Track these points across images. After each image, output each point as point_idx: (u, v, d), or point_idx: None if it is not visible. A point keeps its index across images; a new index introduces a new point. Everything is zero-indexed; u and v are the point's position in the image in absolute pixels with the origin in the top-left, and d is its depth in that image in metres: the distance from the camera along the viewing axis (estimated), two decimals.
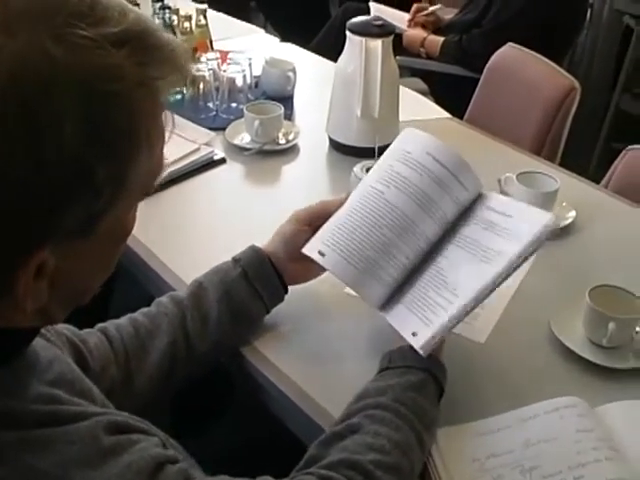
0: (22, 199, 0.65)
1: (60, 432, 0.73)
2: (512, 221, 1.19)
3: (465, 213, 1.25)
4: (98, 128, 0.66)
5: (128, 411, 0.85)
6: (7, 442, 0.70)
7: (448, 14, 3.57)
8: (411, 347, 1.14)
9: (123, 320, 1.24)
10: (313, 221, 1.31)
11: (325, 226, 1.28)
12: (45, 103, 0.63)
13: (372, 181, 1.26)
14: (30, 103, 0.63)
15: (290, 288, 1.34)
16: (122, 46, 0.67)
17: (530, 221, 1.16)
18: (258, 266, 1.30)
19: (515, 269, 1.13)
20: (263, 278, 1.30)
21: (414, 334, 1.15)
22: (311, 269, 1.32)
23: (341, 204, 1.29)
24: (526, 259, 1.13)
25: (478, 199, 1.27)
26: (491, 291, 1.13)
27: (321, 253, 1.25)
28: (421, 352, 1.12)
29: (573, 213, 1.67)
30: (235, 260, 1.31)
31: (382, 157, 1.29)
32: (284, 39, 2.91)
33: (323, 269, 1.27)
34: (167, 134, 0.77)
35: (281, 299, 1.33)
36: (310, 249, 1.26)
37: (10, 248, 0.67)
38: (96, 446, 0.74)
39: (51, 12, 0.65)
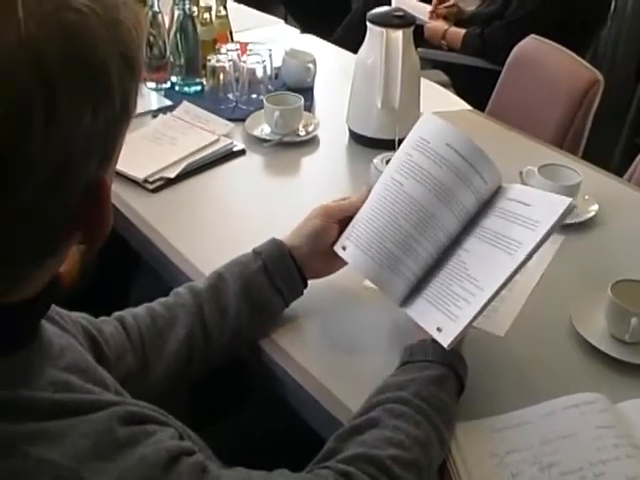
0: (92, 140, 0.68)
1: (72, 424, 0.72)
2: (531, 209, 1.18)
3: (485, 206, 1.24)
4: (128, 57, 0.70)
5: (144, 400, 0.85)
6: (17, 434, 0.69)
7: (470, 6, 3.55)
8: (432, 341, 1.14)
9: (140, 309, 1.23)
10: (341, 217, 1.30)
11: (352, 222, 1.28)
12: (93, 54, 0.66)
13: (391, 172, 1.25)
14: (82, 58, 0.65)
15: (311, 283, 1.33)
16: None
17: (548, 207, 1.15)
18: (279, 260, 1.29)
19: (533, 255, 1.13)
20: (283, 272, 1.29)
21: (439, 329, 1.14)
22: (332, 264, 1.32)
23: (366, 198, 1.28)
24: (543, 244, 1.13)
25: (497, 191, 1.25)
26: (510, 280, 1.12)
27: (343, 247, 1.25)
28: (447, 348, 1.11)
29: (595, 206, 1.65)
30: (256, 253, 1.30)
31: (401, 146, 1.28)
32: (304, 31, 2.90)
33: (344, 264, 1.27)
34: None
35: (300, 293, 1.33)
36: (337, 246, 1.27)
37: (87, 185, 0.71)
38: (110, 438, 0.73)
39: None
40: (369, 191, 1.28)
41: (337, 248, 1.27)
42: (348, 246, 1.24)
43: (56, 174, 0.66)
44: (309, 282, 1.33)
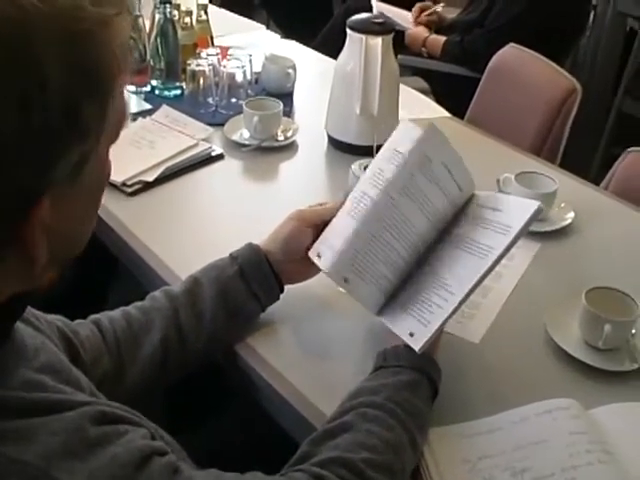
0: (19, 148, 0.65)
1: (43, 422, 0.72)
2: (502, 215, 1.19)
3: (458, 213, 1.25)
4: (78, 65, 0.67)
5: (119, 402, 0.85)
6: None
7: (450, 14, 3.57)
8: (406, 346, 1.14)
9: (116, 313, 1.23)
10: (316, 222, 1.30)
11: (327, 228, 1.28)
12: (23, 48, 0.64)
13: (365, 183, 1.25)
14: (9, 51, 0.63)
15: (287, 288, 1.33)
16: None
17: (518, 211, 1.17)
18: (255, 265, 1.29)
19: (502, 258, 1.14)
20: (260, 277, 1.29)
21: (411, 334, 1.14)
22: (308, 269, 1.32)
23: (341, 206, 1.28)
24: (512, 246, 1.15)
25: (470, 199, 1.27)
26: (480, 283, 1.14)
27: (318, 255, 1.25)
28: (418, 352, 1.12)
29: (572, 214, 1.67)
30: (232, 257, 1.30)
31: (376, 157, 1.28)
32: (286, 37, 2.91)
33: (319, 270, 1.27)
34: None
35: (277, 298, 1.33)
36: (312, 252, 1.27)
37: (14, 199, 0.67)
38: (81, 437, 0.73)
39: None
40: (345, 198, 1.29)
41: (312, 255, 1.26)
42: (323, 254, 1.24)
43: None
44: (286, 288, 1.33)
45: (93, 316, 1.21)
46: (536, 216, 1.15)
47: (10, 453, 0.69)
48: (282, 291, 1.33)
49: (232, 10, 3.04)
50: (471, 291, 1.13)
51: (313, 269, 1.30)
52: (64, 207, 0.72)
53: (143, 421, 0.84)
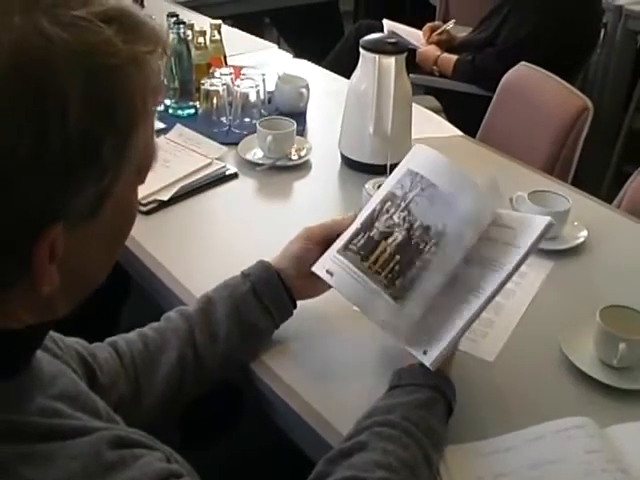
0: (33, 178, 0.65)
1: (62, 447, 0.72)
2: (514, 232, 1.20)
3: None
4: (100, 101, 0.67)
5: (136, 426, 0.85)
6: (7, 456, 0.69)
7: (461, 32, 3.58)
8: (421, 365, 1.14)
9: (132, 335, 1.24)
10: (324, 239, 1.31)
11: (334, 244, 1.27)
12: (48, 81, 0.64)
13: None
14: (34, 82, 0.63)
15: (301, 306, 1.34)
16: (110, 23, 0.69)
17: (529, 228, 1.18)
18: (267, 281, 1.30)
19: (513, 275, 1.16)
20: (272, 294, 1.30)
21: (425, 352, 1.15)
22: (320, 285, 1.31)
23: (350, 223, 1.28)
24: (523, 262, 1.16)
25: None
26: (491, 300, 1.15)
27: (329, 272, 1.24)
28: (431, 368, 1.12)
29: (585, 232, 1.67)
30: (244, 275, 1.31)
31: (392, 176, 1.29)
32: (297, 56, 2.92)
33: (330, 286, 1.27)
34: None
35: (290, 314, 1.33)
36: (319, 267, 1.26)
37: (24, 227, 0.68)
38: (98, 461, 0.73)
39: None
40: (355, 215, 1.29)
41: (320, 271, 1.25)
42: (334, 271, 1.23)
43: None
44: (301, 307, 1.34)
45: (110, 339, 1.22)
46: (547, 231, 1.16)
47: (30, 475, 0.69)
48: (295, 307, 1.33)
49: (243, 29, 3.06)
50: (482, 308, 1.14)
51: (324, 286, 1.29)
52: (79, 242, 0.73)
53: (158, 445, 0.85)
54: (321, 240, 1.31)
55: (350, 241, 1.24)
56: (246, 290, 1.28)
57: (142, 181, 0.80)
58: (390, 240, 1.21)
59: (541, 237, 1.16)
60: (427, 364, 1.13)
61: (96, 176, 0.70)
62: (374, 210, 1.25)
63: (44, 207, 0.68)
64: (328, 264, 1.25)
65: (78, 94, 0.65)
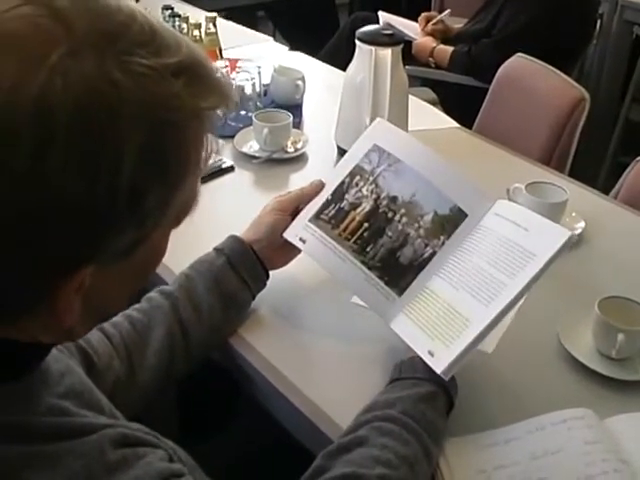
0: (76, 221, 0.64)
1: (66, 447, 0.72)
2: (529, 239, 1.17)
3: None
4: (155, 156, 0.66)
5: (134, 406, 0.84)
6: (12, 457, 0.69)
7: (457, 24, 3.57)
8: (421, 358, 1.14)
9: (117, 317, 1.25)
10: (295, 208, 1.37)
11: (304, 212, 1.35)
12: (109, 129, 0.62)
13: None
14: (94, 128, 0.62)
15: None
16: (179, 76, 0.67)
17: (547, 239, 1.15)
18: (241, 253, 1.33)
19: (530, 288, 1.13)
20: (247, 265, 1.33)
21: (431, 353, 1.13)
22: (289, 253, 1.39)
23: (319, 191, 1.36)
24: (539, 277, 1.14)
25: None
26: (508, 311, 1.14)
27: (302, 240, 1.32)
28: (444, 376, 1.11)
29: (582, 224, 1.66)
30: (217, 250, 1.35)
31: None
32: (293, 48, 2.92)
33: (298, 252, 1.36)
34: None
35: (264, 285, 1.38)
36: (291, 235, 1.34)
37: (58, 266, 0.67)
38: (102, 461, 0.73)
39: (114, 38, 0.64)
40: (322, 183, 1.38)
41: (293, 239, 1.33)
42: (307, 239, 1.31)
43: (22, 228, 0.63)
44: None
45: None
46: (567, 246, 1.13)
47: (34, 477, 0.69)
48: (268, 277, 1.37)
49: (237, 21, 3.05)
50: (496, 320, 1.12)
51: (293, 253, 1.38)
52: (107, 280, 0.72)
53: (161, 442, 0.84)
54: (292, 210, 1.37)
55: (321, 211, 1.33)
56: (222, 263, 1.32)
57: (177, 226, 0.79)
58: (359, 210, 1.31)
59: (560, 252, 1.13)
60: (439, 371, 1.11)
61: (137, 225, 0.69)
62: (344, 183, 1.34)
63: (82, 250, 0.67)
64: (300, 232, 1.33)
65: (136, 145, 0.64)
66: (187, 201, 0.76)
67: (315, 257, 1.31)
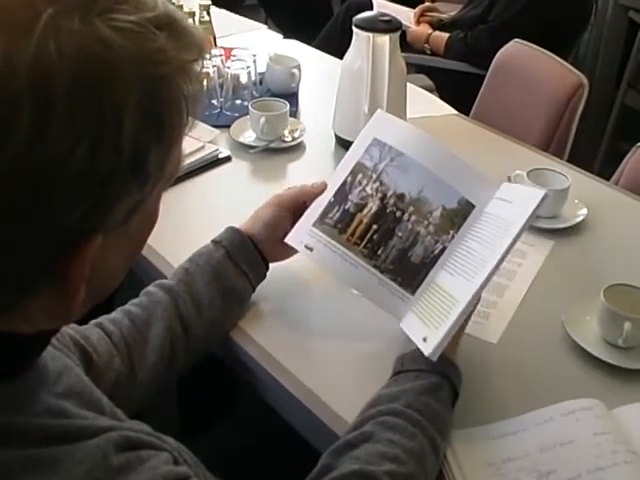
0: (83, 187, 0.62)
1: (67, 450, 0.69)
2: (511, 207, 1.19)
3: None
4: (152, 113, 0.65)
5: (134, 403, 0.82)
6: (11, 461, 0.67)
7: (453, 10, 3.55)
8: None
9: (116, 313, 1.23)
10: (295, 206, 1.34)
11: (307, 216, 1.31)
12: (107, 90, 0.61)
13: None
14: (93, 88, 0.61)
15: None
16: (162, 30, 0.66)
17: (523, 204, 1.16)
18: (240, 245, 1.32)
19: (508, 253, 1.13)
20: (246, 256, 1.32)
21: (425, 339, 1.12)
22: (289, 249, 1.34)
23: (321, 191, 1.33)
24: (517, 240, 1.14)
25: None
26: (488, 281, 1.12)
27: (308, 247, 1.27)
28: (432, 358, 1.09)
29: (585, 210, 1.65)
30: (216, 242, 1.33)
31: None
32: (286, 36, 2.89)
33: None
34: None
35: (264, 276, 1.36)
36: (295, 241, 1.30)
37: (69, 233, 0.65)
38: (105, 466, 0.70)
39: None
40: (325, 184, 1.33)
41: (298, 246, 1.29)
42: (314, 246, 1.27)
43: (28, 199, 0.61)
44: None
45: (94, 321, 1.21)
46: (541, 205, 1.14)
47: None
48: (267, 269, 1.35)
49: (229, 9, 3.02)
50: (478, 293, 1.12)
51: (293, 249, 1.33)
52: (107, 251, 0.70)
53: (165, 444, 0.82)
54: (291, 207, 1.35)
55: (325, 215, 1.29)
56: (221, 256, 1.30)
57: (166, 188, 0.77)
58: (365, 211, 1.26)
59: (535, 212, 1.14)
60: (426, 354, 1.10)
61: (139, 186, 0.68)
62: (346, 182, 1.30)
63: (90, 216, 0.65)
64: (306, 239, 1.28)
65: (134, 102, 0.63)
66: (178, 158, 0.75)
67: (325, 266, 1.28)
